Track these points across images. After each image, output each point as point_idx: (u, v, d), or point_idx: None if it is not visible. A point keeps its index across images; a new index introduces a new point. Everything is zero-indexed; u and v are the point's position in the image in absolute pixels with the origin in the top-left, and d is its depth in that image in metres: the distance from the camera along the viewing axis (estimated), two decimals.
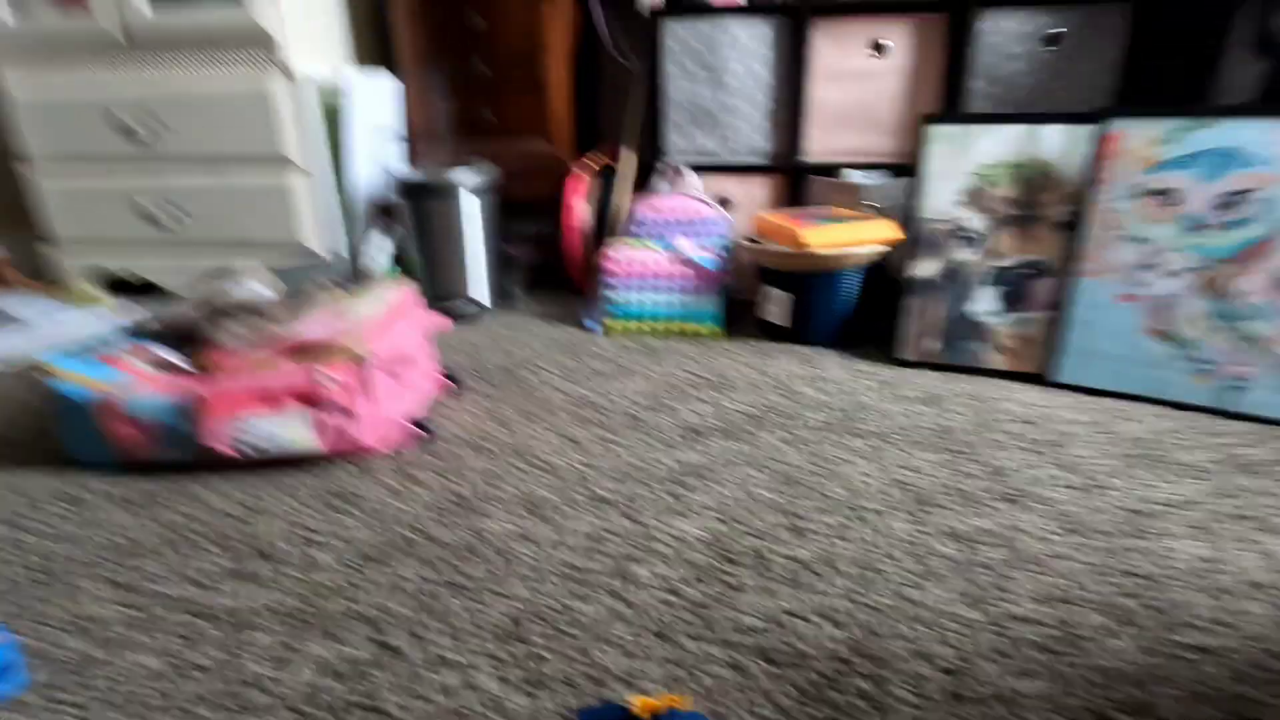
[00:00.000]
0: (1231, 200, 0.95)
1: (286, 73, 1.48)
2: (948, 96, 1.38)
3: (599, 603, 0.64)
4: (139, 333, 0.97)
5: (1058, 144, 1.06)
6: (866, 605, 0.63)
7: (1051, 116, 1.07)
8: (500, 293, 1.56)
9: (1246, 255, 0.95)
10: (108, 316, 1.55)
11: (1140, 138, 1.00)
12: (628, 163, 1.60)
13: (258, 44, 1.47)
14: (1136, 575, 0.66)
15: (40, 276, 1.80)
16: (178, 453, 0.87)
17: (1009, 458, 0.88)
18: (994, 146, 1.11)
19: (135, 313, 0.97)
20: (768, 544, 0.72)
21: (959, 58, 1.34)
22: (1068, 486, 0.81)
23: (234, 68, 1.50)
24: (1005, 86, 1.35)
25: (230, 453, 0.85)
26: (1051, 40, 1.30)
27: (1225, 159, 0.95)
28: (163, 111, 1.55)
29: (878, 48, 1.39)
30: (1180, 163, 0.98)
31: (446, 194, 1.43)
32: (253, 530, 0.77)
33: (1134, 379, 1.03)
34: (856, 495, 0.80)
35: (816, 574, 0.67)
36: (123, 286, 1.76)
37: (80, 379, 0.86)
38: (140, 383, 0.89)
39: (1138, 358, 1.03)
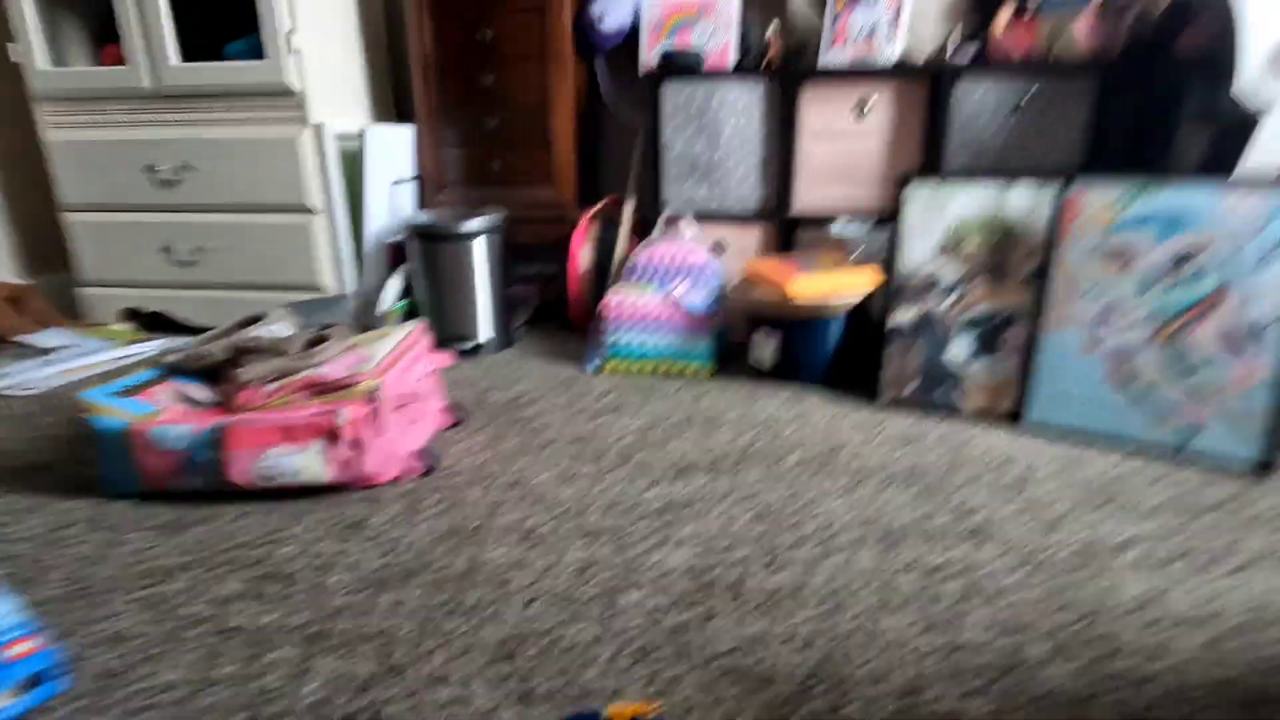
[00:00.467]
0: (1181, 259, 1.03)
1: (309, 124, 1.59)
2: (926, 155, 1.47)
3: (585, 627, 0.70)
4: (167, 369, 1.04)
5: (1025, 203, 1.15)
6: (831, 632, 0.69)
7: (1021, 176, 1.15)
8: (504, 332, 1.64)
9: (1197, 310, 1.02)
10: (134, 351, 1.63)
11: (1099, 200, 1.08)
12: (628, 211, 1.69)
13: (282, 97, 1.58)
14: (1079, 609, 0.72)
15: (73, 313, 1.88)
16: (199, 481, 0.93)
17: (975, 497, 0.94)
18: (967, 203, 1.19)
19: (162, 349, 1.04)
20: (743, 574, 0.78)
21: (937, 120, 1.43)
22: (1028, 524, 0.87)
23: (259, 119, 1.61)
24: (978, 147, 1.44)
25: (249, 484, 0.92)
26: (1020, 108, 1.40)
27: (1174, 221, 1.03)
28: (190, 159, 1.66)
29: (862, 109, 1.49)
30: (1134, 224, 1.05)
31: (455, 238, 1.52)
32: (268, 555, 0.83)
33: (1098, 423, 1.10)
34: (829, 530, 0.86)
35: (784, 601, 0.73)
36: (149, 323, 1.84)
37: (113, 411, 0.93)
38: (168, 416, 0.96)
39: (1101, 403, 1.09)
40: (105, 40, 1.77)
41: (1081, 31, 1.33)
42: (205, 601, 0.75)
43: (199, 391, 1.02)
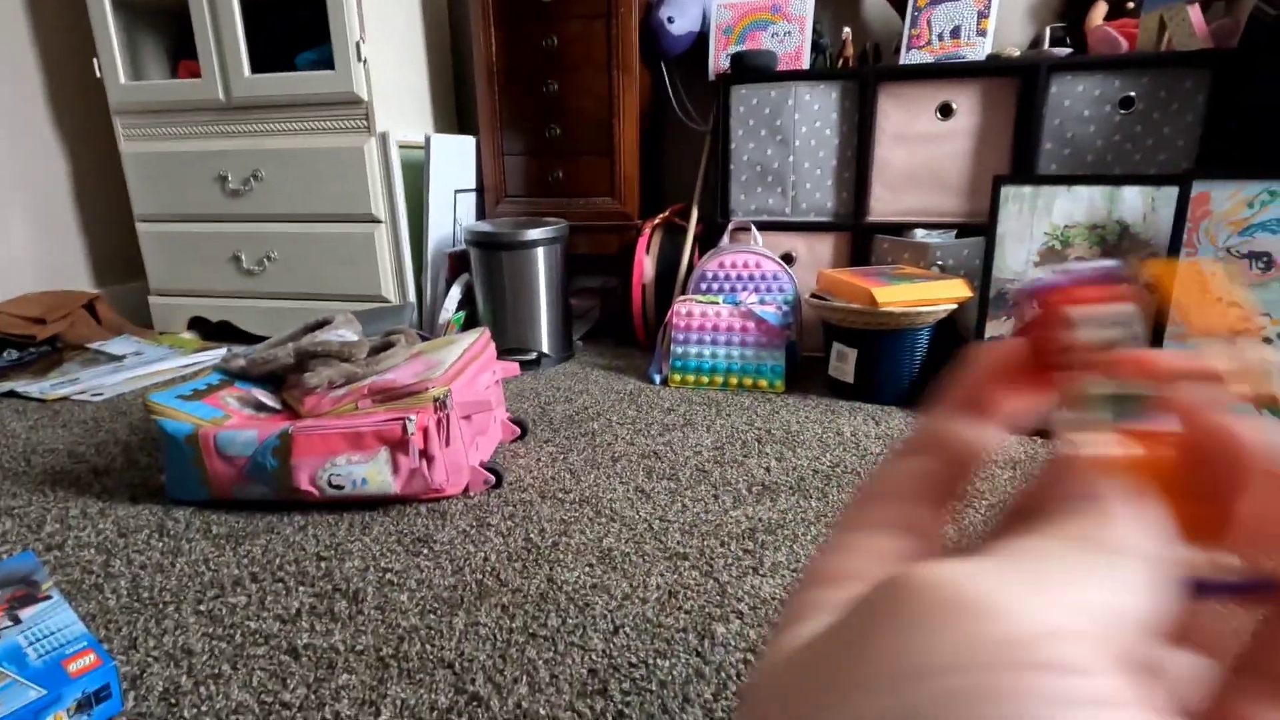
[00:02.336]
0: None
1: (374, 133, 1.58)
2: (1016, 159, 1.38)
3: (681, 658, 0.63)
4: (233, 373, 1.02)
5: (1138, 206, 1.05)
6: None
7: (1131, 178, 1.05)
8: (565, 343, 1.60)
9: None
10: (200, 359, 1.64)
11: (1229, 200, 0.98)
12: (693, 220, 1.64)
13: (349, 106, 1.58)
14: None
15: (144, 322, 1.92)
16: (264, 489, 0.90)
17: None
18: (1069, 207, 1.10)
19: (227, 355, 1.02)
20: None
21: (1028, 121, 1.34)
22: None
23: (326, 128, 1.61)
24: (1076, 149, 1.34)
25: (314, 491, 0.88)
26: (1126, 103, 1.30)
27: None
28: (259, 168, 1.67)
29: (945, 110, 1.41)
30: (1273, 225, 0.95)
31: (516, 247, 1.48)
32: (333, 568, 0.79)
33: None
34: None
35: None
36: (215, 333, 1.86)
37: (180, 415, 0.91)
38: (234, 420, 0.93)
39: None
40: (181, 55, 1.81)
41: (1196, 19, 1.23)
42: (272, 616, 0.71)
43: (265, 396, 0.99)
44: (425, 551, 0.82)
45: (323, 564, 0.80)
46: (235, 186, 1.69)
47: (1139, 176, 1.06)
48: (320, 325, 1.11)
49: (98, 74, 1.70)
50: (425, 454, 0.89)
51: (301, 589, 0.75)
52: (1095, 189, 1.08)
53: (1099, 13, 1.47)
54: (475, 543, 0.83)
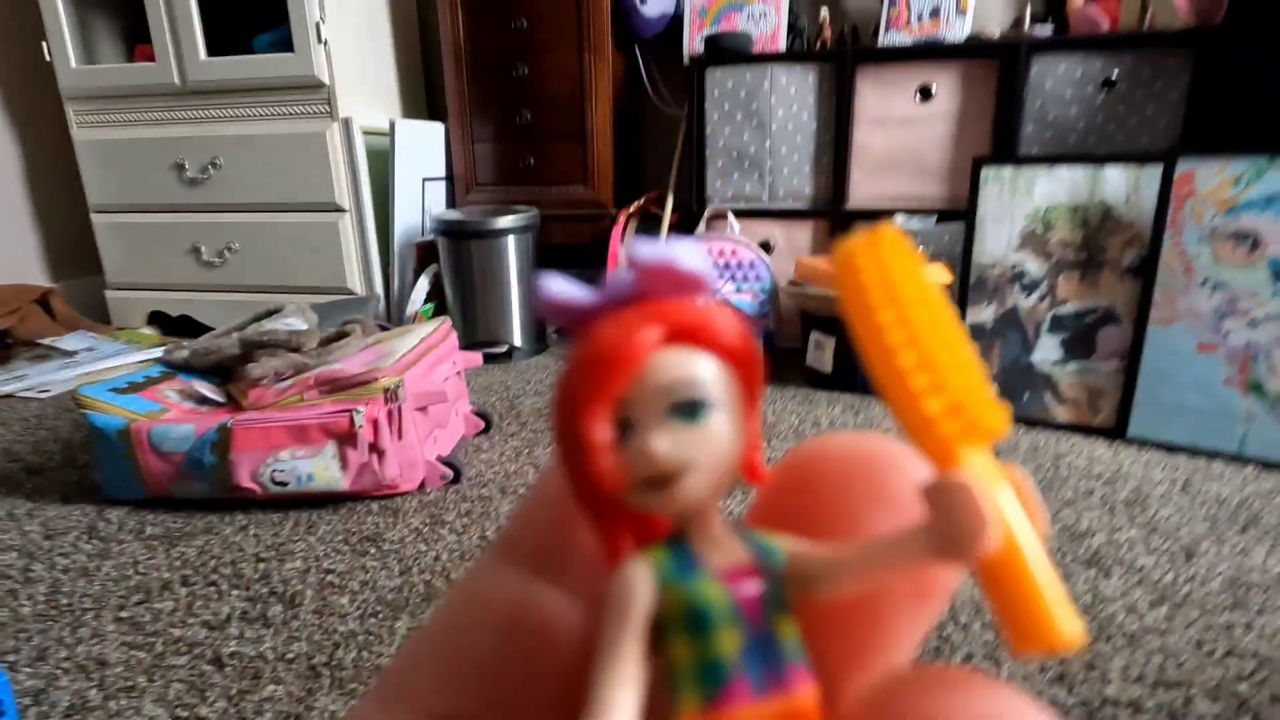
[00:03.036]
0: None
1: (337, 118, 1.52)
2: (997, 141, 1.34)
3: None
4: (173, 364, 0.96)
5: (1121, 186, 1.01)
6: None
7: (1114, 157, 1.02)
8: (538, 335, 1.54)
9: None
10: (154, 352, 1.57)
11: (1214, 178, 0.94)
12: (668, 208, 1.59)
13: (310, 90, 1.52)
14: (1244, 655, 0.58)
15: (101, 317, 1.84)
16: (203, 486, 0.84)
17: (1086, 517, 0.80)
18: (1051, 189, 1.06)
19: (170, 346, 0.96)
20: None
21: (1009, 103, 1.31)
22: (1153, 551, 0.73)
23: (287, 114, 1.55)
24: (1058, 130, 1.31)
25: (256, 489, 0.82)
26: (1108, 84, 1.26)
27: None
28: (218, 155, 1.60)
29: (925, 93, 1.37)
30: (1260, 204, 0.92)
31: (486, 236, 1.43)
32: (271, 570, 0.73)
33: (1216, 434, 0.95)
34: None
35: None
36: (175, 326, 1.79)
37: (112, 409, 0.85)
38: (171, 413, 0.87)
39: (1220, 411, 0.95)
40: (137, 39, 1.74)
41: None
42: (199, 623, 0.65)
43: (208, 389, 0.93)
44: (373, 551, 0.77)
45: (261, 566, 0.74)
46: (193, 175, 1.63)
47: (1122, 155, 1.02)
48: (270, 314, 1.05)
49: (47, 58, 1.62)
50: (375, 448, 0.84)
51: (235, 593, 0.70)
52: (1077, 169, 1.05)
53: None
54: (427, 541, 0.78)
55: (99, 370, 1.46)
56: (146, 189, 1.67)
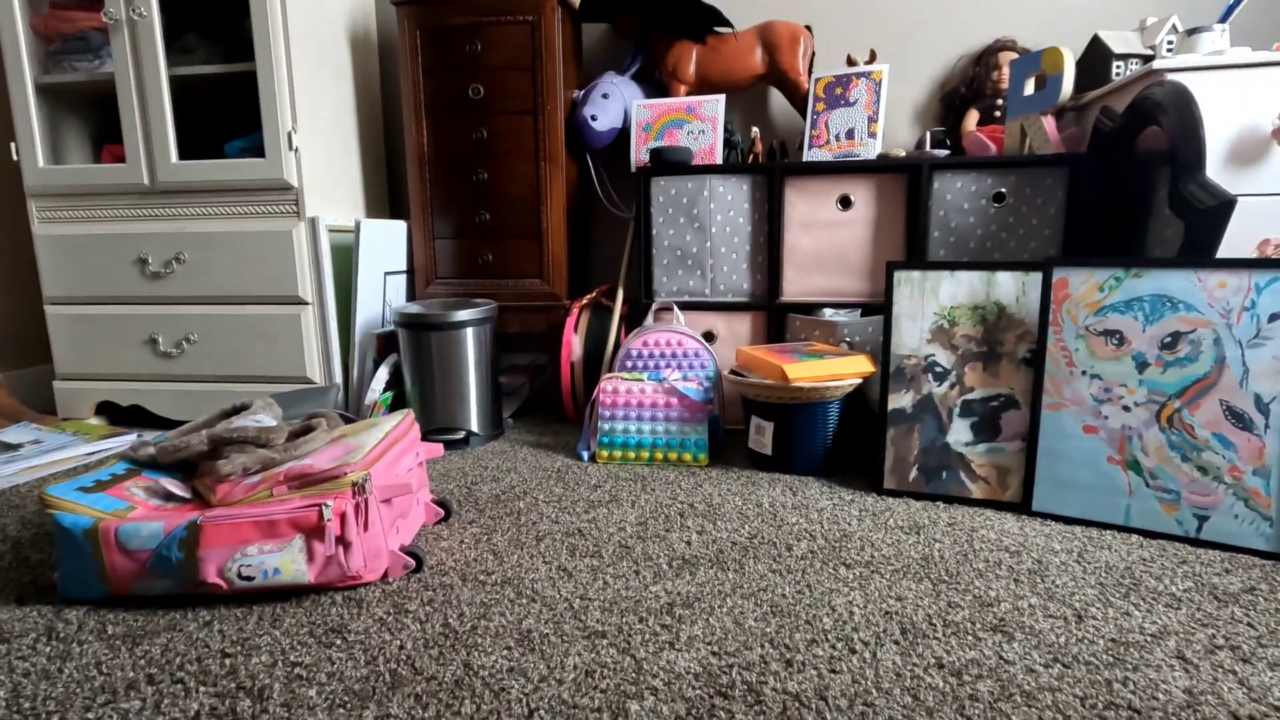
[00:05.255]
0: (1173, 339, 1.04)
1: (304, 218, 1.61)
2: (909, 244, 1.52)
3: None
4: (138, 461, 0.99)
5: (1011, 288, 1.17)
6: None
7: (1004, 264, 1.18)
8: (494, 422, 1.61)
9: (1195, 389, 1.03)
10: (106, 447, 1.56)
11: (1083, 284, 1.10)
12: (619, 300, 1.70)
13: (279, 192, 1.60)
14: (1124, 708, 0.67)
15: (42, 406, 1.82)
16: (168, 583, 0.86)
17: (992, 587, 0.89)
18: (954, 289, 1.21)
19: (136, 443, 0.99)
20: (760, 677, 0.72)
21: (917, 211, 1.49)
22: (1049, 616, 0.82)
23: (254, 213, 1.63)
24: (960, 237, 1.49)
25: (222, 584, 0.85)
26: (998, 198, 1.46)
27: (1161, 302, 1.05)
28: (182, 251, 1.66)
29: (845, 202, 1.55)
30: (1121, 307, 1.08)
31: (446, 328, 1.51)
32: (238, 665, 0.76)
33: (1105, 508, 1.07)
34: (846, 626, 0.81)
35: (808, 707, 0.67)
36: (126, 418, 1.78)
37: (79, 508, 0.87)
38: (139, 511, 0.90)
39: (1107, 486, 1.07)
40: (106, 140, 1.81)
41: (1050, 128, 1.41)
42: None
43: (175, 486, 0.96)
44: (338, 642, 0.80)
45: (227, 661, 0.77)
46: (156, 269, 1.67)
47: (1008, 263, 1.19)
48: (238, 410, 1.09)
49: (14, 157, 1.67)
50: (342, 540, 0.88)
51: (202, 689, 0.72)
52: (975, 273, 1.20)
53: (971, 119, 1.66)
54: (391, 630, 0.82)
55: (46, 463, 1.45)
56: (106, 282, 1.70)
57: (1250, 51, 1.21)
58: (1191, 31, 1.27)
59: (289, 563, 0.87)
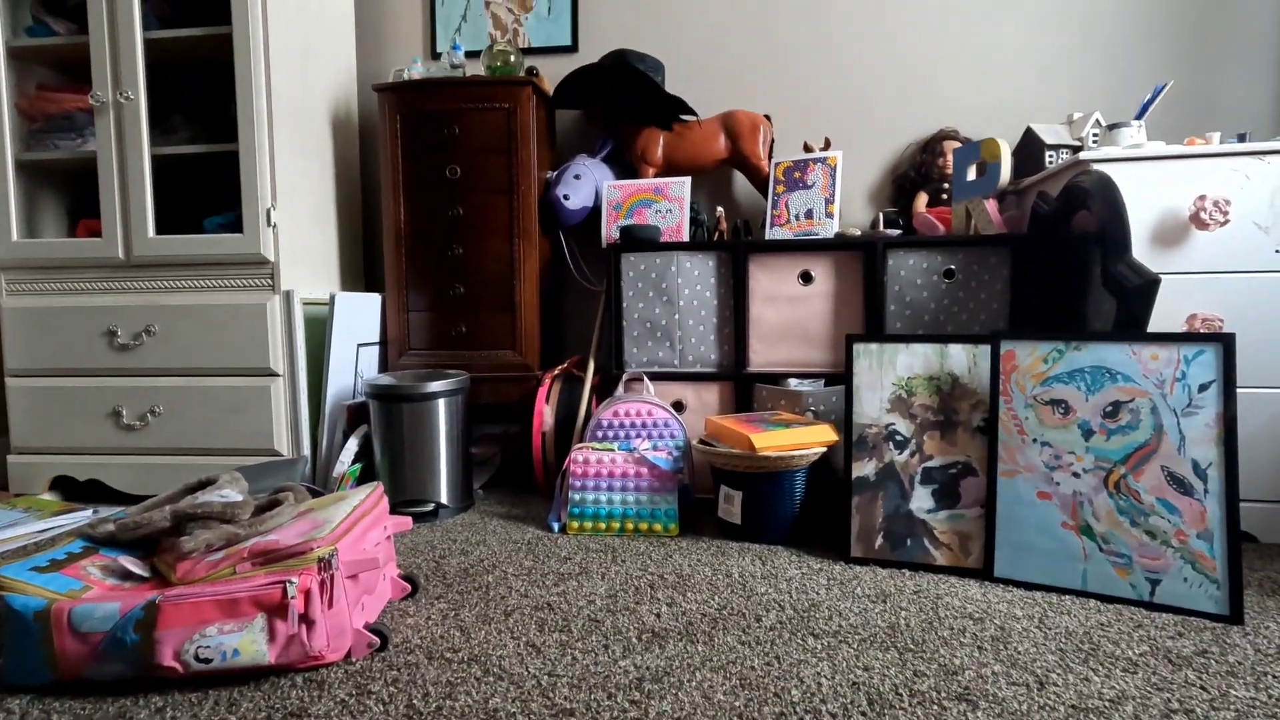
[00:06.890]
0: (1114, 408, 1.10)
1: (279, 291, 1.63)
2: (868, 317, 1.59)
3: None
4: (96, 539, 0.97)
5: (963, 360, 1.23)
6: None
7: (955, 337, 1.24)
8: (464, 493, 1.60)
9: (1138, 455, 1.08)
10: (60, 523, 1.51)
11: (1029, 356, 1.17)
12: (590, 371, 1.74)
13: (255, 266, 1.63)
14: None
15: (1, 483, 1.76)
16: (121, 667, 0.83)
17: (957, 655, 0.91)
18: (910, 361, 1.27)
19: (94, 519, 0.98)
20: None
21: (874, 286, 1.57)
22: (1012, 684, 0.84)
23: (229, 286, 1.65)
24: (915, 310, 1.57)
25: (178, 667, 0.83)
26: (949, 274, 1.54)
27: (1100, 374, 1.11)
28: (151, 323, 1.66)
29: (806, 277, 1.62)
30: (1065, 377, 1.14)
31: (417, 399, 1.52)
32: None
33: (1063, 572, 1.10)
34: (814, 698, 0.81)
35: None
36: (80, 491, 1.73)
37: (31, 589, 0.85)
38: (94, 591, 0.88)
39: (1063, 551, 1.11)
40: (81, 214, 1.83)
41: (992, 211, 1.52)
42: None
43: (133, 565, 0.94)
44: None
45: None
46: (125, 341, 1.67)
47: (959, 336, 1.25)
48: (203, 485, 1.08)
49: None
50: (305, 618, 0.87)
51: None
52: (928, 346, 1.27)
53: (921, 201, 1.77)
54: (354, 713, 0.80)
55: (4, 539, 1.40)
56: (71, 354, 1.69)
57: (1164, 145, 1.33)
58: (1112, 126, 1.40)
59: (249, 643, 0.85)
